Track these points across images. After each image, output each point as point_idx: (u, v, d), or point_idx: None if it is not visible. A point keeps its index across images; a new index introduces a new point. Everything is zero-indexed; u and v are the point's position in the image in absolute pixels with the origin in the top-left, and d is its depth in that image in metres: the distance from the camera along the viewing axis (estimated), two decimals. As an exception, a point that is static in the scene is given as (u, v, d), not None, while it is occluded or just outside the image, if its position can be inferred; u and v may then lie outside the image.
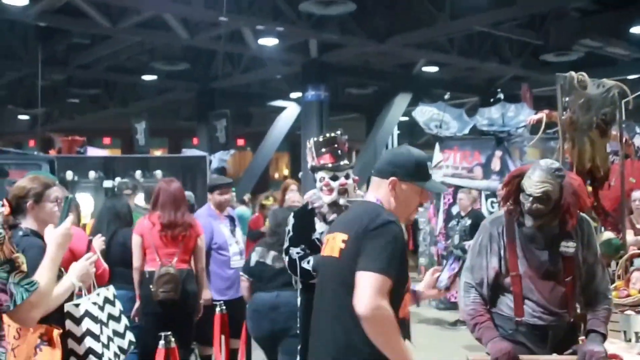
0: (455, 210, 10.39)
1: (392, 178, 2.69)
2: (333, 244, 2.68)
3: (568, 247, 3.33)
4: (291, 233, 4.37)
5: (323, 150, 4.32)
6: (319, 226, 4.27)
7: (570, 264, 3.35)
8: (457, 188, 10.42)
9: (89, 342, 3.24)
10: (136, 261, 5.33)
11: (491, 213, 8.98)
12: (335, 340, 2.59)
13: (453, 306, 9.96)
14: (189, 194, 6.41)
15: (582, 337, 3.43)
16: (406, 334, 2.64)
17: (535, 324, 3.33)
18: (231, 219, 6.14)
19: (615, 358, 4.34)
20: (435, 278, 2.95)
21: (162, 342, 4.07)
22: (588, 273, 3.44)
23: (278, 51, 16.10)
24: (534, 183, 3.30)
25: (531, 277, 3.36)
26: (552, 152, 6.76)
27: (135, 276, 5.32)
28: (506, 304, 3.42)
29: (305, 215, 4.36)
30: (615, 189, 6.38)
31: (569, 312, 3.38)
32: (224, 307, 5.35)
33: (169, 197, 5.33)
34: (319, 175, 4.34)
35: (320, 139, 4.38)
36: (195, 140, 22.12)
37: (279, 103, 21.58)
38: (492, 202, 10.00)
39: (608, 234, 5.77)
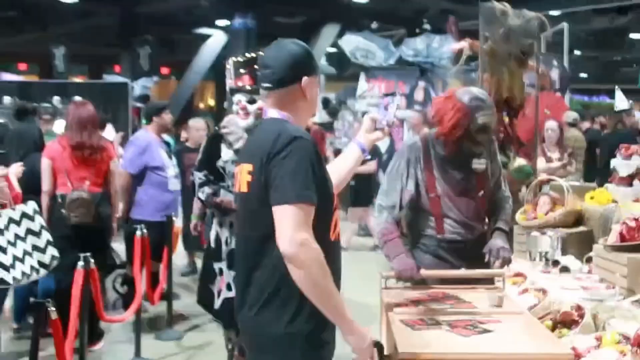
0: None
1: (304, 79, 2.35)
2: (240, 177, 2.35)
3: (480, 164, 3.54)
4: (200, 156, 4.37)
5: (242, 71, 4.28)
6: (225, 153, 4.20)
7: (482, 179, 3.58)
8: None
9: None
10: (45, 185, 5.21)
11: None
12: (255, 292, 2.28)
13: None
14: None
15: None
16: (337, 256, 2.38)
17: (454, 240, 3.54)
18: (167, 144, 6.23)
19: (520, 276, 4.60)
20: (374, 120, 2.74)
21: (81, 263, 4.04)
22: (495, 184, 3.70)
23: (204, -24, 15.66)
24: (489, 118, 3.45)
25: (449, 196, 3.53)
26: (473, 83, 6.91)
27: (45, 200, 5.21)
28: (428, 224, 3.59)
29: (214, 140, 4.29)
30: (529, 119, 6.62)
31: (482, 224, 3.63)
32: (145, 231, 5.35)
33: (77, 119, 5.20)
34: (236, 98, 4.23)
35: (240, 59, 4.32)
36: (117, 68, 21.44)
37: (205, 31, 21.08)
38: (412, 132, 10.18)
39: (520, 161, 6.02)
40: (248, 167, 2.30)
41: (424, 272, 3.32)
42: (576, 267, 4.44)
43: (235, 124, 4.17)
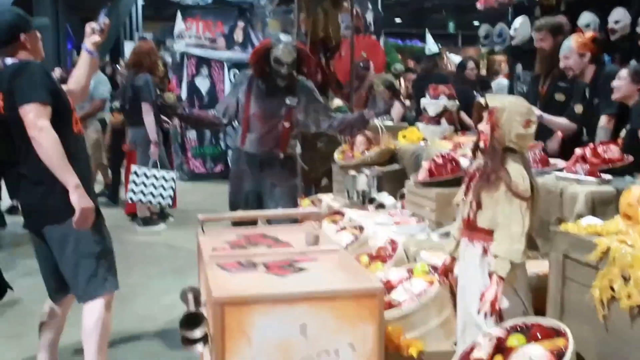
0: (198, 82, 10.30)
1: (22, 35, 3.10)
2: None
3: (292, 100, 4.25)
4: None
5: None
6: None
7: (291, 114, 4.28)
8: (200, 59, 10.30)
9: None
10: None
11: (232, 83, 9.08)
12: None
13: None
14: None
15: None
16: (82, 145, 3.21)
17: (251, 153, 4.28)
18: None
19: (338, 214, 4.70)
20: (91, 27, 3.36)
21: None
22: (327, 114, 4.45)
23: None
24: (285, 54, 4.21)
25: (257, 117, 4.27)
26: (291, 24, 6.87)
27: None
28: (237, 136, 4.43)
29: None
30: (346, 61, 6.73)
31: (282, 149, 4.30)
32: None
33: None
34: None
35: None
36: None
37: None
38: (234, 74, 10.03)
39: (337, 102, 6.12)
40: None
41: (241, 212, 3.34)
42: (390, 203, 4.61)
43: None
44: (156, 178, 6.42)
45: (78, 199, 2.92)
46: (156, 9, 19.81)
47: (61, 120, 3.02)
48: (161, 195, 6.43)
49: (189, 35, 10.19)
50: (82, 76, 3.40)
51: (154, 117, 6.53)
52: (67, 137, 3.00)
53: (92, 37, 3.32)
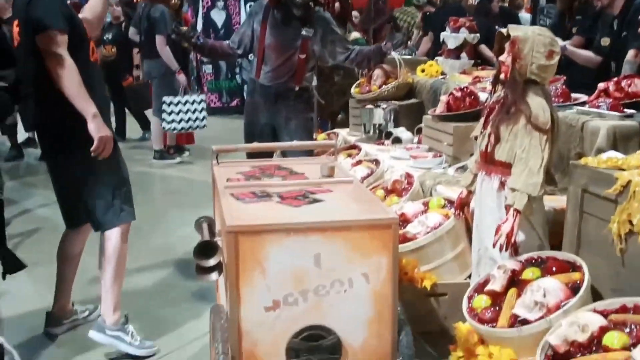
0: (214, 14, 10.15)
1: None
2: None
3: (308, 32, 4.11)
4: None
5: None
6: None
7: (306, 45, 4.15)
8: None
9: None
10: None
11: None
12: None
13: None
14: None
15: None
16: (98, 76, 3.20)
17: (266, 85, 4.19)
18: None
19: (354, 148, 4.67)
20: None
21: None
22: (345, 47, 4.30)
23: None
24: None
25: (272, 48, 4.16)
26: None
27: None
28: (253, 67, 4.34)
29: None
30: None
31: (296, 81, 4.18)
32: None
33: None
34: None
35: None
36: None
37: None
38: (250, 6, 9.84)
39: (355, 34, 6.01)
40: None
41: (256, 144, 3.33)
42: (407, 137, 4.56)
43: None
44: (190, 103, 6.53)
45: (96, 127, 2.90)
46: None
47: (78, 48, 2.96)
48: (197, 118, 6.57)
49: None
50: (97, 4, 3.32)
51: (169, 48, 6.48)
52: (84, 65, 2.96)
53: None
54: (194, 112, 6.67)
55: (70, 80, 2.85)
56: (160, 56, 6.55)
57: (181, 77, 6.59)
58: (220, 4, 10.21)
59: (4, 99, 2.58)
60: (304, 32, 4.13)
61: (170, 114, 6.59)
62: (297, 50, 4.16)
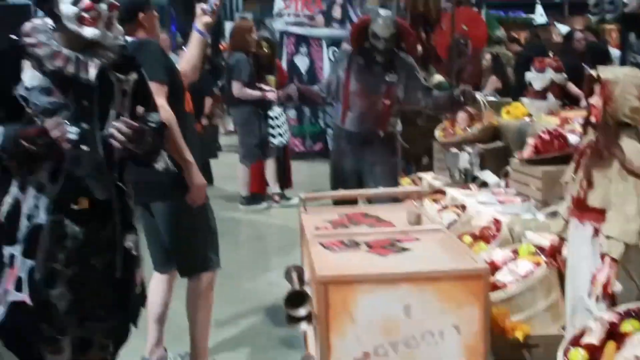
0: (297, 60, 10.35)
1: (140, 15, 3.12)
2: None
3: (392, 77, 4.19)
4: None
5: None
6: (30, 76, 2.33)
7: (391, 90, 4.23)
8: (298, 37, 10.34)
9: None
10: None
11: (331, 61, 9.04)
12: None
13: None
14: None
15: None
16: (191, 125, 3.37)
17: (351, 131, 4.26)
18: None
19: (440, 193, 4.64)
20: (203, 9, 3.36)
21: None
22: (423, 92, 4.35)
23: None
24: (383, 29, 4.16)
25: (357, 95, 4.25)
26: (391, -1, 6.79)
27: None
28: (337, 114, 4.42)
29: (7, 56, 2.41)
30: (447, 34, 6.58)
31: (382, 127, 4.26)
32: None
33: None
34: None
35: None
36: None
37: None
38: (333, 51, 10.03)
39: (438, 77, 6.01)
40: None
41: (343, 191, 3.37)
42: (494, 181, 4.50)
43: (45, 32, 2.39)
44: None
45: (193, 175, 3.00)
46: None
47: (175, 99, 3.07)
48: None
49: (287, 14, 10.25)
50: (193, 57, 3.40)
51: (248, 91, 6.67)
52: (181, 115, 3.05)
53: (202, 17, 3.31)
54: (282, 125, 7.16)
55: (169, 129, 2.90)
56: (241, 103, 6.74)
57: (270, 93, 6.71)
58: (304, 50, 10.42)
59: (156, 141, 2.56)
60: (388, 78, 4.19)
61: (274, 127, 6.98)
62: (381, 96, 4.22)
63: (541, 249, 3.12)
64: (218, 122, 8.00)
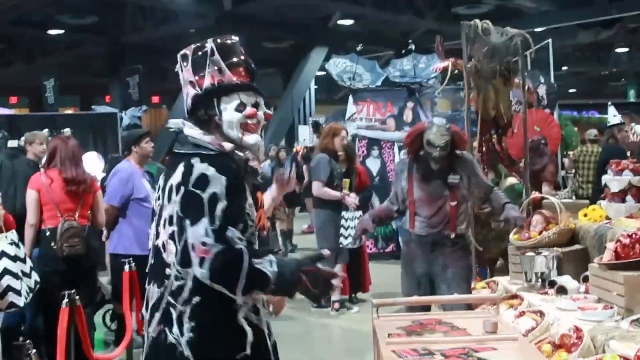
0: (369, 162, 10.50)
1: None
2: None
3: (454, 179, 4.32)
4: (224, 202, 2.24)
5: (235, 59, 2.42)
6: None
7: (455, 191, 4.36)
8: (370, 140, 10.54)
9: (7, 280, 3.46)
10: (32, 218, 5.13)
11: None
12: None
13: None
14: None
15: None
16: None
17: (421, 235, 4.36)
18: (149, 174, 6.15)
19: (516, 298, 4.52)
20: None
21: (65, 300, 3.94)
22: (486, 195, 4.53)
23: (191, 3, 15.68)
24: (437, 137, 4.26)
25: (422, 200, 4.38)
26: (461, 102, 6.88)
27: (30, 233, 5.14)
28: (406, 219, 4.53)
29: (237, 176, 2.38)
30: (519, 136, 6.58)
31: (451, 228, 4.34)
32: (133, 264, 5.25)
33: (69, 154, 5.24)
34: (234, 101, 2.37)
35: (223, 40, 2.48)
36: (107, 98, 21.41)
37: (194, 58, 21.04)
38: (404, 153, 10.13)
39: (511, 180, 5.97)
40: None
41: (416, 297, 3.34)
42: (573, 287, 4.35)
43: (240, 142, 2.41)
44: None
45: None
46: (328, 93, 20.74)
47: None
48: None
49: (359, 118, 10.51)
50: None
51: (327, 190, 6.79)
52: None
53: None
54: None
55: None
56: (319, 207, 6.87)
57: (349, 199, 6.88)
58: (375, 152, 10.59)
59: None
60: (450, 180, 4.28)
61: (347, 228, 7.03)
62: (447, 198, 4.31)
63: (626, 359, 2.97)
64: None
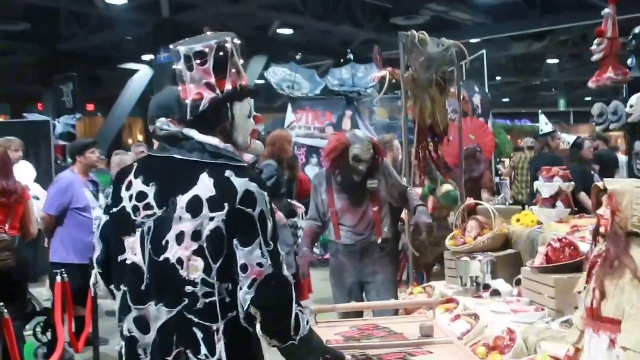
0: (308, 170, 10.53)
1: None
2: None
3: (373, 183, 4.39)
4: (271, 221, 2.22)
5: (242, 61, 2.27)
6: None
7: (376, 196, 4.43)
8: (309, 148, 10.58)
9: None
10: None
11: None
12: None
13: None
14: None
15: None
16: None
17: (348, 244, 4.39)
18: (94, 183, 6.05)
19: (452, 302, 4.59)
20: None
21: (-8, 313, 3.82)
22: (402, 196, 4.58)
23: (128, 10, 15.44)
24: (364, 152, 4.35)
25: (344, 210, 4.43)
26: (399, 111, 6.97)
27: None
28: (330, 231, 4.54)
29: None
30: (454, 144, 6.70)
31: (377, 233, 4.39)
32: (65, 275, 5.12)
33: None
34: (245, 106, 2.31)
35: (236, 39, 2.24)
36: (40, 106, 20.86)
37: (130, 66, 20.76)
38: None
39: (447, 186, 6.07)
40: None
41: (353, 303, 3.36)
42: (506, 290, 4.45)
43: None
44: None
45: None
46: (267, 101, 20.70)
47: None
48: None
49: (298, 126, 10.54)
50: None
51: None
52: None
53: None
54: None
55: None
56: None
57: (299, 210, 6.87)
58: (314, 160, 10.63)
59: None
60: (369, 185, 4.37)
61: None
62: (368, 204, 4.38)
63: (557, 359, 3.05)
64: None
